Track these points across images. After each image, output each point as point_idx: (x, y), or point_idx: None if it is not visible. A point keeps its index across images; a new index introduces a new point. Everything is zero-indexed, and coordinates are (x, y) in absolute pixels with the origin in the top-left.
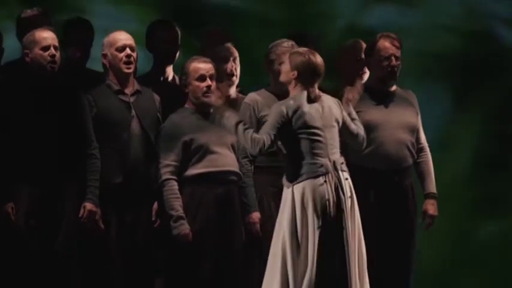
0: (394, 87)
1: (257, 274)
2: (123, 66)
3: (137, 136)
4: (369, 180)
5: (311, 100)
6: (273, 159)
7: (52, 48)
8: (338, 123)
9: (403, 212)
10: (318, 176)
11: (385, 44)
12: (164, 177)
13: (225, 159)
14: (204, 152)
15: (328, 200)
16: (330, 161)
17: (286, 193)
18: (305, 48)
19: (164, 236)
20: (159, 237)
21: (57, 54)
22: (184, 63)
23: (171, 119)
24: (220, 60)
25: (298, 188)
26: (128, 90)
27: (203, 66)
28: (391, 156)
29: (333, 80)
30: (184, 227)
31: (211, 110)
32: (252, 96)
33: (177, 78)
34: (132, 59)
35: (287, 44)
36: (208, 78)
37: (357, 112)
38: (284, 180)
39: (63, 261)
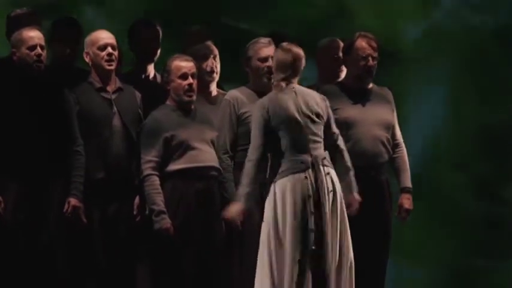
0: (370, 85)
1: (237, 266)
2: (105, 64)
3: (119, 132)
4: None
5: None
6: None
7: (38, 47)
8: (321, 118)
9: (379, 206)
10: (298, 172)
11: (363, 44)
12: (146, 172)
13: (205, 155)
14: (184, 148)
15: (309, 195)
16: (311, 156)
17: (270, 189)
18: (286, 43)
19: (146, 230)
20: (141, 231)
21: (44, 54)
22: (167, 60)
23: (153, 115)
24: (200, 58)
25: (279, 184)
26: (109, 88)
27: (185, 64)
28: (367, 153)
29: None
30: (166, 221)
31: (192, 107)
32: (233, 93)
33: (158, 76)
34: (113, 57)
35: (264, 40)
36: (190, 77)
37: (334, 110)
38: (268, 176)
39: (49, 255)
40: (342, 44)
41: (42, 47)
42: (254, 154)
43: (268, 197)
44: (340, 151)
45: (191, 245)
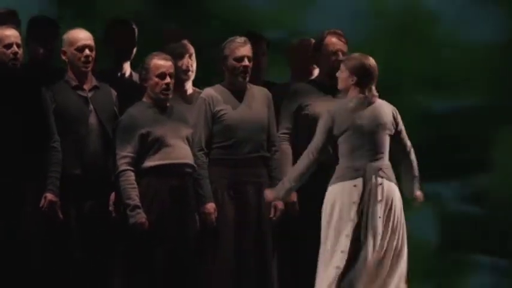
0: None
1: (212, 261)
2: (81, 65)
3: (95, 130)
4: (320, 170)
5: (367, 104)
6: (226, 152)
7: (15, 45)
8: (387, 129)
9: None
10: (349, 179)
11: (332, 40)
12: (121, 168)
13: (180, 152)
14: (160, 144)
15: (353, 202)
16: (366, 165)
17: (329, 191)
18: (357, 54)
19: (121, 226)
20: (117, 227)
21: (20, 52)
22: (145, 58)
23: (129, 112)
24: (176, 57)
25: (332, 189)
26: (86, 86)
27: (164, 63)
28: None
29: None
30: (141, 216)
31: (168, 104)
32: (208, 92)
33: (134, 74)
34: (90, 58)
35: (240, 39)
36: (168, 76)
37: (305, 106)
38: (332, 178)
39: (25, 249)
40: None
41: (18, 46)
42: (315, 155)
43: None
44: (410, 164)
45: (165, 241)
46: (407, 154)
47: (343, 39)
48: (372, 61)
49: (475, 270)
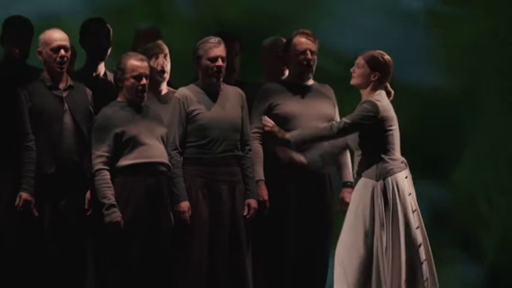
0: (311, 82)
1: (186, 259)
2: (56, 66)
3: (69, 129)
4: (288, 170)
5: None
6: (200, 152)
7: None
8: None
9: (322, 200)
10: (401, 171)
11: (301, 40)
12: (96, 167)
13: (155, 151)
14: (134, 143)
15: (410, 194)
16: (402, 157)
17: (372, 185)
18: (378, 51)
19: (96, 223)
20: (92, 225)
21: None
22: (121, 58)
23: (104, 112)
24: (151, 57)
25: (386, 182)
26: (61, 86)
27: (140, 64)
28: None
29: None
30: (116, 215)
31: (143, 104)
32: (182, 91)
33: (108, 73)
34: (65, 59)
35: (214, 40)
36: (144, 78)
37: (276, 105)
38: (368, 173)
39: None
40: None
41: None
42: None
43: (370, 195)
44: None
45: (140, 239)
46: None
47: (311, 39)
48: (389, 58)
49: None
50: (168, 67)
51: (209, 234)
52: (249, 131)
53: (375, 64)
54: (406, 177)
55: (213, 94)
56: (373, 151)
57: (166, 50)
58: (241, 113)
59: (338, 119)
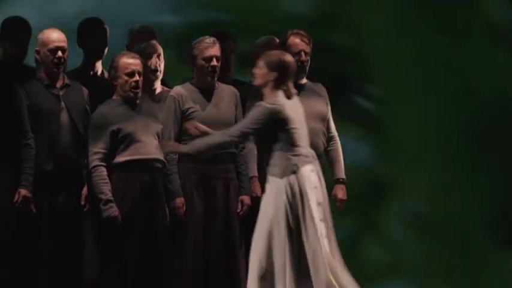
0: (304, 81)
1: (181, 255)
2: (53, 66)
3: (66, 127)
4: None
5: (288, 98)
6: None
7: None
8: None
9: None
10: (305, 165)
11: (295, 41)
12: (93, 163)
13: (150, 148)
14: (130, 140)
15: (316, 187)
16: (310, 151)
17: (278, 183)
18: (277, 51)
19: (93, 219)
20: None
21: None
22: (114, 57)
23: (100, 109)
24: (144, 57)
25: (290, 178)
26: (58, 84)
27: (132, 61)
28: None
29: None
30: (113, 210)
31: (138, 101)
32: (177, 90)
33: (105, 72)
34: (62, 60)
35: (209, 40)
36: (136, 74)
37: None
38: (273, 171)
39: None
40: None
41: None
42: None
43: (276, 192)
44: None
45: (135, 235)
46: None
47: (306, 40)
48: (290, 57)
49: None
50: (161, 66)
51: (203, 230)
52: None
53: (272, 65)
54: (313, 170)
55: (207, 93)
56: (276, 151)
57: (160, 50)
58: (235, 112)
59: (331, 117)
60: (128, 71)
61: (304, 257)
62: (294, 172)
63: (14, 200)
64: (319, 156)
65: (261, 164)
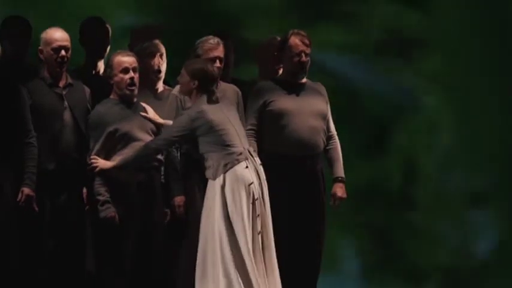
0: (304, 80)
1: (182, 254)
2: (56, 65)
3: (69, 126)
4: (282, 166)
5: (212, 102)
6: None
7: None
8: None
9: (315, 195)
10: (239, 163)
11: (296, 42)
12: (91, 164)
13: None
14: (127, 139)
15: (253, 183)
16: (244, 148)
17: (213, 185)
18: (200, 59)
19: (94, 219)
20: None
21: None
22: (110, 57)
23: (97, 109)
24: (147, 56)
25: (224, 178)
26: (61, 83)
27: (126, 59)
28: (304, 142)
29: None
30: (110, 210)
31: (135, 100)
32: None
33: None
34: (65, 59)
35: (213, 41)
36: (131, 71)
37: (270, 102)
38: (208, 174)
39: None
40: None
41: None
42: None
43: (212, 192)
44: None
45: (132, 235)
46: None
47: (306, 41)
48: (210, 67)
49: None
50: (163, 66)
51: None
52: (244, 127)
53: (193, 73)
54: (247, 167)
55: None
56: (207, 153)
57: (163, 50)
58: (237, 110)
59: (330, 116)
60: (122, 67)
61: (242, 254)
62: (226, 171)
63: (18, 199)
64: (318, 154)
65: None
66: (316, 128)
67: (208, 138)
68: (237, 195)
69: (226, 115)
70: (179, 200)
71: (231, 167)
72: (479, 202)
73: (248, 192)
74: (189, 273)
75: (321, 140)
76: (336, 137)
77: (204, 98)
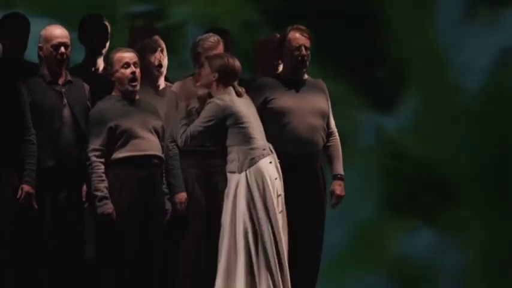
0: (305, 76)
1: (183, 250)
2: (56, 63)
3: (68, 123)
4: (282, 164)
5: (239, 95)
6: (197, 144)
7: None
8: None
9: (314, 192)
10: (263, 158)
11: (295, 35)
12: (91, 160)
13: (148, 144)
14: (128, 136)
15: (277, 178)
16: (266, 144)
17: (237, 179)
18: (223, 52)
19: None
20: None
21: None
22: (110, 54)
23: (98, 106)
24: (148, 52)
25: (250, 172)
26: (60, 81)
27: (127, 54)
28: (303, 140)
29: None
30: (108, 207)
31: (137, 97)
32: (178, 85)
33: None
34: (64, 56)
35: (213, 39)
36: (132, 65)
37: (271, 99)
38: (232, 167)
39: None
40: None
41: None
42: None
43: (236, 187)
44: None
45: (133, 232)
46: None
47: (306, 35)
48: (231, 60)
49: None
50: (165, 61)
51: (206, 224)
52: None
53: (214, 65)
54: (271, 162)
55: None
56: (232, 146)
57: (163, 45)
58: None
59: (331, 113)
60: (122, 63)
61: (266, 250)
62: (252, 165)
63: (17, 196)
64: (318, 152)
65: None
66: (316, 127)
67: (235, 130)
68: (262, 191)
69: (250, 109)
70: (181, 196)
71: (257, 162)
72: None
73: (273, 188)
74: (188, 272)
75: (320, 139)
76: (336, 134)
77: (231, 90)
